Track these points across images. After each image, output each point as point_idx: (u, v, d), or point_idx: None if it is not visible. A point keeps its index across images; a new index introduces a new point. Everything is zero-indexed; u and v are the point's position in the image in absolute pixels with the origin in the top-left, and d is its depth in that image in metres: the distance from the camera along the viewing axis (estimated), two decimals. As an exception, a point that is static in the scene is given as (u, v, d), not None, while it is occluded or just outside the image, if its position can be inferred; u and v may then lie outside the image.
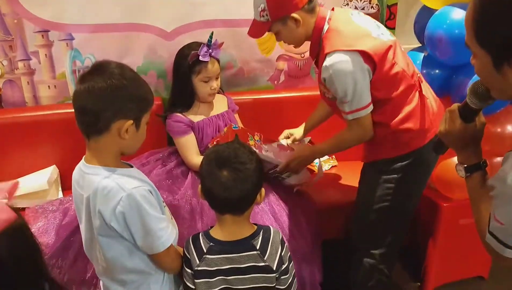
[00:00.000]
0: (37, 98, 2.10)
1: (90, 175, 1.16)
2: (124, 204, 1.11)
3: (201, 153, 1.85)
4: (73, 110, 1.14)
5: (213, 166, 1.18)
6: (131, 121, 1.15)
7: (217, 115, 1.92)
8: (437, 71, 1.98)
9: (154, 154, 1.91)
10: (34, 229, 1.67)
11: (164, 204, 1.32)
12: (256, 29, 1.57)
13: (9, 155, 2.00)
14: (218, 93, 1.93)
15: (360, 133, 1.59)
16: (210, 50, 1.78)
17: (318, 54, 1.58)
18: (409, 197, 1.68)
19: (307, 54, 2.30)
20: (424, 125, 1.58)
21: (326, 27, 1.52)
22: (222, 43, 1.84)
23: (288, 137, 1.97)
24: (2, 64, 2.01)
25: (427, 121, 1.59)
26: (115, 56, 2.09)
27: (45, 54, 2.05)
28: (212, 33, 1.79)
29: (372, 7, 2.33)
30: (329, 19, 1.53)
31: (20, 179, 1.94)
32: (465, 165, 1.08)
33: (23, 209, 1.79)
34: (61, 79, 2.10)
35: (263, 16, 1.51)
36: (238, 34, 2.20)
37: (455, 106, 1.08)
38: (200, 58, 1.76)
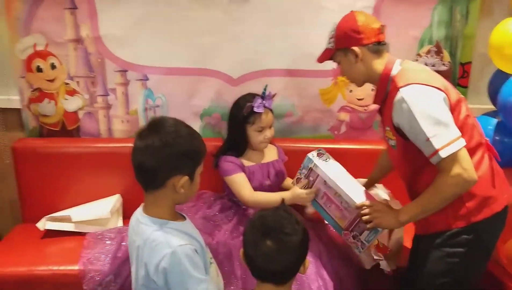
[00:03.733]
0: (110, 130, 2.28)
1: (143, 225, 1.24)
2: (168, 261, 1.16)
3: None
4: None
5: (257, 234, 1.16)
6: (187, 177, 1.22)
7: (268, 163, 1.97)
8: (510, 140, 1.86)
9: (201, 196, 2.00)
10: (91, 254, 1.82)
11: (212, 260, 1.36)
12: (323, 54, 1.63)
13: (81, 181, 2.18)
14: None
15: (461, 174, 1.33)
16: (264, 102, 1.85)
17: (385, 97, 1.51)
18: (474, 273, 1.55)
19: (371, 107, 2.30)
20: (493, 192, 1.46)
21: (397, 68, 1.50)
22: (275, 94, 1.92)
23: None
24: (84, 98, 2.23)
25: (497, 189, 1.47)
26: (184, 97, 2.24)
27: (122, 92, 2.23)
28: (266, 86, 1.88)
29: (443, 64, 2.26)
30: (402, 62, 1.52)
31: (86, 205, 2.11)
32: None
33: (84, 234, 1.95)
34: (133, 115, 2.27)
35: (330, 42, 1.58)
36: (300, 83, 2.26)
37: None
38: (255, 109, 1.84)
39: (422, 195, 1.45)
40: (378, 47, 1.52)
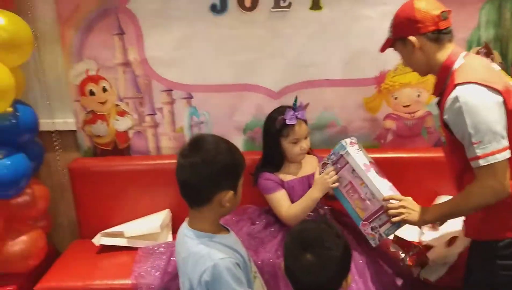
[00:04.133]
0: (159, 148, 2.37)
1: (188, 239, 1.28)
2: (209, 274, 1.18)
3: None
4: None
5: (297, 247, 1.15)
6: (232, 192, 1.25)
7: (308, 175, 1.94)
8: None
9: (245, 211, 2.00)
10: (142, 268, 1.88)
11: (257, 274, 1.36)
12: (385, 43, 1.59)
13: (132, 197, 2.27)
14: (308, 153, 1.96)
15: (493, 186, 1.32)
16: (297, 113, 1.83)
17: (444, 89, 1.44)
18: None
19: (418, 114, 2.24)
20: None
21: (460, 61, 1.43)
22: (307, 104, 1.90)
23: None
24: (133, 118, 2.33)
25: None
26: (227, 114, 2.29)
27: (168, 110, 2.31)
28: (296, 97, 1.87)
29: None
30: (466, 55, 1.45)
31: (138, 221, 2.19)
32: None
33: (136, 248, 2.02)
34: (179, 132, 2.34)
35: (390, 31, 1.54)
36: (343, 93, 2.23)
37: None
38: (287, 122, 1.82)
39: (453, 198, 1.44)
40: (438, 35, 1.44)
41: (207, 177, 1.21)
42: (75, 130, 2.35)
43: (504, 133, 1.32)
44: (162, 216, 2.18)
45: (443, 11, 1.43)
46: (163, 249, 1.97)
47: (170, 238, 2.16)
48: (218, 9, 2.15)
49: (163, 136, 2.35)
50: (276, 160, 1.93)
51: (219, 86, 2.26)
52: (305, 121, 1.91)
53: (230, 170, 1.26)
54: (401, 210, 1.53)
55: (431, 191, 2.10)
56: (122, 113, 2.32)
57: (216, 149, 1.25)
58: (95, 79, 2.28)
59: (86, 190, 2.26)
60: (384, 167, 2.12)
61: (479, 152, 1.31)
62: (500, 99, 1.33)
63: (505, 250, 1.40)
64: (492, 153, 1.30)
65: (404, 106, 2.24)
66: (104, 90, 2.30)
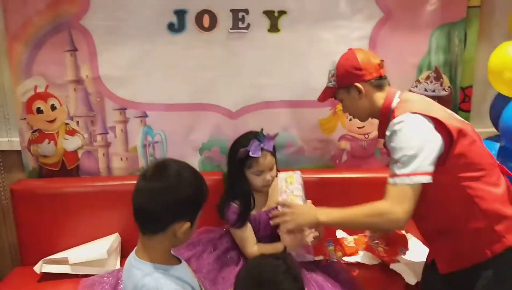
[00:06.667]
0: (110, 168, 2.27)
1: (135, 269, 1.19)
2: None
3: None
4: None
5: (250, 285, 1.12)
6: (189, 223, 1.18)
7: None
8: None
9: (207, 233, 1.92)
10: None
11: None
12: (324, 94, 1.65)
13: (80, 221, 2.13)
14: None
15: (395, 210, 1.32)
16: (262, 144, 1.75)
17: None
18: None
19: (372, 135, 2.28)
20: None
21: (396, 100, 1.49)
22: (276, 135, 1.83)
23: None
24: (83, 137, 2.23)
25: None
26: (183, 133, 2.24)
27: (121, 129, 2.23)
28: (261, 129, 1.81)
29: (444, 89, 2.23)
30: (400, 94, 1.52)
31: (84, 246, 2.06)
32: None
33: (81, 276, 1.90)
34: (132, 152, 2.26)
35: (331, 81, 1.59)
36: (299, 114, 2.24)
37: None
38: (251, 154, 1.73)
39: (352, 208, 1.44)
40: (380, 81, 1.53)
41: (166, 205, 1.15)
42: (20, 150, 2.22)
43: (430, 160, 1.33)
44: (110, 241, 2.06)
45: (381, 60, 1.55)
46: (106, 279, 1.84)
47: (118, 265, 2.03)
48: (176, 28, 2.13)
49: (114, 156, 2.26)
50: (241, 189, 1.83)
51: (176, 105, 2.21)
52: (273, 152, 1.83)
53: (192, 201, 1.19)
54: (284, 218, 1.55)
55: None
56: (72, 132, 2.22)
57: (180, 177, 1.18)
58: (44, 96, 2.18)
59: (29, 213, 2.11)
60: (339, 187, 2.18)
61: (396, 170, 1.34)
62: (433, 128, 1.36)
63: (497, 266, 1.40)
64: (409, 175, 1.32)
65: (358, 128, 2.28)
66: (53, 108, 2.20)
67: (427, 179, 1.33)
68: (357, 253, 1.99)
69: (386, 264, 1.97)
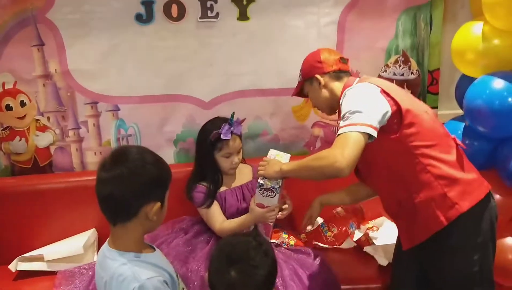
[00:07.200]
0: (84, 163, 2.25)
1: (110, 260, 1.19)
2: None
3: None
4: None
5: (223, 262, 1.13)
6: (159, 203, 1.19)
7: (241, 185, 1.93)
8: (479, 143, 1.84)
9: (179, 223, 1.94)
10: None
11: None
12: (296, 88, 1.75)
13: (55, 217, 2.12)
14: (242, 162, 1.96)
15: (334, 153, 1.32)
16: (232, 128, 1.83)
17: None
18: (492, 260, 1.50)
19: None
20: (471, 177, 1.46)
21: (354, 84, 1.53)
22: (244, 119, 1.92)
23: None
24: (55, 133, 2.20)
25: (476, 175, 1.49)
26: (157, 125, 2.23)
27: (93, 124, 2.21)
28: (233, 113, 1.87)
29: (412, 72, 2.27)
30: (359, 80, 1.55)
31: (60, 242, 2.04)
32: None
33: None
34: (106, 146, 2.24)
35: (299, 76, 1.71)
36: (273, 102, 2.26)
37: None
38: (222, 136, 1.81)
39: (307, 157, 1.49)
40: (339, 74, 1.62)
41: (135, 188, 1.15)
42: (-10, 148, 2.18)
43: (375, 116, 1.36)
44: (86, 236, 2.04)
45: (342, 57, 1.65)
46: (84, 270, 1.85)
47: (95, 258, 2.02)
48: (144, 18, 2.11)
49: (88, 151, 2.24)
50: (209, 171, 1.89)
51: (148, 97, 2.20)
52: (240, 136, 1.91)
53: (158, 181, 1.20)
54: (261, 167, 1.66)
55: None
56: (43, 128, 2.19)
57: (143, 160, 1.19)
58: (12, 92, 2.14)
59: (3, 211, 2.07)
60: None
61: (341, 123, 1.38)
62: (380, 94, 1.42)
63: (457, 233, 1.44)
64: (353, 125, 1.34)
65: (331, 114, 2.31)
66: (23, 104, 2.16)
67: (369, 130, 1.33)
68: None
69: (361, 247, 2.03)
